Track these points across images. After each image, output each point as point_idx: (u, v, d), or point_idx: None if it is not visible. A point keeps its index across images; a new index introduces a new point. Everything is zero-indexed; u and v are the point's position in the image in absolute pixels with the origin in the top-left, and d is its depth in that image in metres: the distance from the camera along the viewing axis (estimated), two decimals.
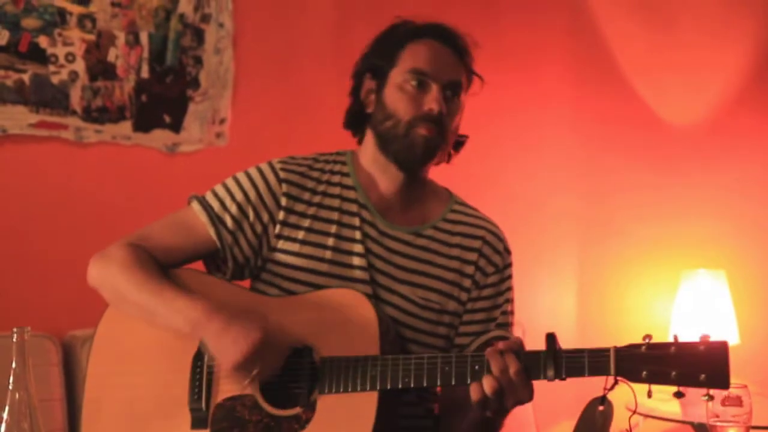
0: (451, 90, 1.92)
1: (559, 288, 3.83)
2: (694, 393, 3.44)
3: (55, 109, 2.98)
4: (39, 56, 2.96)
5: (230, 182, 1.94)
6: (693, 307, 3.45)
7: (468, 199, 2.08)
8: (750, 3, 3.70)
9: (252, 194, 1.91)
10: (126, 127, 3.08)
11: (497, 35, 3.69)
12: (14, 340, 1.50)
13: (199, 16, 3.18)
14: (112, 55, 3.06)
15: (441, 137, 1.90)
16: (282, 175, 1.92)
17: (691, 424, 3.27)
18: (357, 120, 2.00)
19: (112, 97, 3.05)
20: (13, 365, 1.49)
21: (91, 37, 3.03)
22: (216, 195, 1.94)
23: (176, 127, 3.15)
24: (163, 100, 3.13)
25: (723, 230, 3.67)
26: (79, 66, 3.01)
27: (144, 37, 3.10)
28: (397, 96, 1.90)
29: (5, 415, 1.48)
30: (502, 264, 2.00)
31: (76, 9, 3.00)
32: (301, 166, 1.96)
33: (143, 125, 3.10)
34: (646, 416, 3.34)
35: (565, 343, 1.66)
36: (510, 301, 2.01)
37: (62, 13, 2.98)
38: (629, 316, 3.69)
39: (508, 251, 2.02)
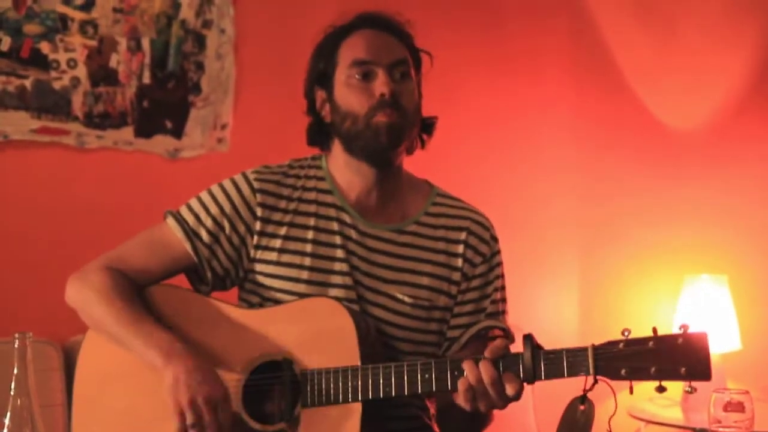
0: (398, 70, 1.88)
1: (561, 293, 3.82)
2: (695, 399, 3.44)
3: (57, 115, 2.98)
4: (41, 62, 2.96)
5: (204, 196, 1.93)
6: (695, 312, 3.45)
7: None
8: (751, 8, 3.69)
9: (227, 206, 1.90)
10: (127, 132, 3.08)
11: (499, 40, 3.69)
12: (16, 345, 1.50)
13: (201, 22, 3.18)
14: (113, 61, 3.06)
15: (402, 119, 1.86)
16: (256, 185, 1.91)
17: (693, 429, 3.27)
18: (320, 134, 1.98)
19: (113, 102, 3.06)
20: (15, 371, 1.50)
21: (93, 42, 3.03)
22: (191, 209, 1.92)
23: (178, 132, 3.16)
24: (164, 105, 3.13)
25: (725, 235, 3.66)
26: (81, 72, 3.01)
27: (146, 43, 3.10)
28: (346, 93, 1.89)
29: (7, 421, 1.48)
30: (489, 253, 1.97)
31: (78, 15, 3.01)
32: (276, 174, 1.94)
33: (145, 131, 3.11)
34: (648, 422, 3.34)
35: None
36: (499, 289, 1.99)
37: (64, 19, 2.99)
38: (631, 321, 3.65)
39: (495, 239, 2.00)
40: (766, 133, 3.66)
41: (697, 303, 3.47)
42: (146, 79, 3.11)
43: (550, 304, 3.78)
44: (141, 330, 1.80)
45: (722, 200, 3.68)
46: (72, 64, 3.00)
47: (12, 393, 1.49)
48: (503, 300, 2.00)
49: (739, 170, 3.68)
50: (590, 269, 3.84)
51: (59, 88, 2.98)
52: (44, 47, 2.97)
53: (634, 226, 3.77)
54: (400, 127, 1.86)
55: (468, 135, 3.57)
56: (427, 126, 1.99)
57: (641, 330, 1.63)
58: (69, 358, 2.73)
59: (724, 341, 3.40)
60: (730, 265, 3.59)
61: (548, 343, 1.68)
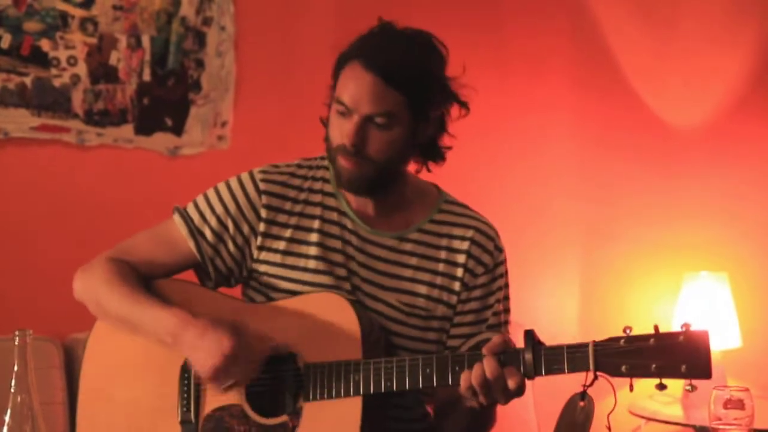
0: (381, 117, 1.79)
1: (562, 290, 3.82)
2: (695, 397, 3.45)
3: (57, 112, 2.98)
4: (41, 59, 2.96)
5: (211, 194, 1.92)
6: (695, 309, 3.45)
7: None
8: (751, 8, 3.70)
9: (231, 207, 1.89)
10: (128, 130, 3.08)
11: (501, 42, 3.69)
12: (16, 343, 1.50)
13: (201, 19, 3.18)
14: (113, 59, 3.06)
15: (364, 168, 1.81)
16: (262, 186, 1.90)
17: (693, 427, 3.27)
18: None
19: (113, 100, 3.06)
20: (15, 368, 1.49)
21: (93, 40, 3.03)
22: (197, 207, 1.92)
23: (178, 130, 3.16)
24: (164, 103, 3.13)
25: (725, 233, 3.66)
26: (81, 69, 3.01)
27: (146, 40, 3.10)
28: (331, 121, 1.85)
29: (7, 419, 1.48)
30: (493, 263, 1.93)
31: (78, 12, 3.01)
32: (283, 175, 1.92)
33: (145, 128, 3.11)
34: (648, 419, 3.34)
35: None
36: (502, 300, 1.96)
37: (64, 17, 2.99)
38: (631, 319, 3.67)
39: (499, 249, 1.95)
40: (766, 132, 3.67)
41: (697, 300, 3.47)
42: (146, 76, 3.11)
43: (550, 301, 3.78)
44: (143, 308, 1.82)
45: (722, 198, 3.69)
46: (72, 61, 3.00)
47: (12, 390, 1.49)
48: (506, 311, 1.97)
49: (739, 169, 3.69)
50: (591, 267, 3.84)
51: (59, 85, 2.98)
52: (44, 44, 2.96)
53: (635, 224, 3.78)
54: (360, 176, 1.82)
55: (470, 135, 3.55)
56: (436, 155, 1.93)
57: (642, 328, 1.63)
58: (69, 355, 2.74)
59: (724, 339, 3.40)
60: (730, 263, 3.60)
61: (549, 340, 1.68)
